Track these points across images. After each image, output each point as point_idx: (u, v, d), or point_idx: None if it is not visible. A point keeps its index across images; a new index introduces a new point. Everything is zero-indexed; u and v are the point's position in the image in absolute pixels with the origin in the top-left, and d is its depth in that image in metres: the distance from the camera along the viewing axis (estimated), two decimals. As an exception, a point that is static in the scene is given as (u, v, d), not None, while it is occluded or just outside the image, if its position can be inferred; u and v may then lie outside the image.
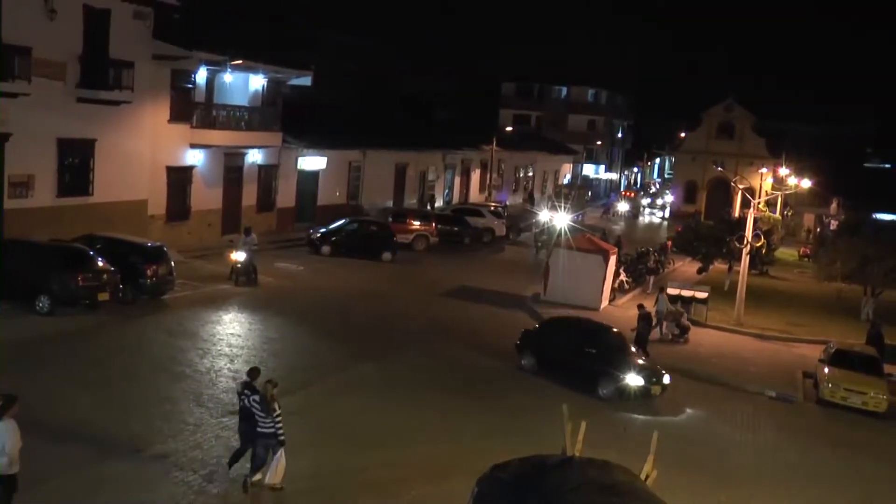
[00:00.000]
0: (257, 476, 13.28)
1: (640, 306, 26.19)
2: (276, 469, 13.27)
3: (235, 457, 13.58)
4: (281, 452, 13.23)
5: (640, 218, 72.90)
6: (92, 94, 27.42)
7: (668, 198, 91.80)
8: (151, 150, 30.74)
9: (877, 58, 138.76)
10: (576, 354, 21.71)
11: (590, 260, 31.39)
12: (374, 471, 14.61)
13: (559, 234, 37.18)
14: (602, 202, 78.51)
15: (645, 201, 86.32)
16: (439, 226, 42.01)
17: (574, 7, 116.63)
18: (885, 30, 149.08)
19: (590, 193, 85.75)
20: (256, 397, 13.14)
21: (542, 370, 22.04)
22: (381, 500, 13.73)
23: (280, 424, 13.15)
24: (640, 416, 20.12)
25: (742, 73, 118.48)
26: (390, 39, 72.37)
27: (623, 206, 64.94)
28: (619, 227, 62.19)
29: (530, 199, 69.10)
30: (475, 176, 62.50)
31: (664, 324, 28.68)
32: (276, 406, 13.12)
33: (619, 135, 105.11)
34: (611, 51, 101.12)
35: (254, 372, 13.70)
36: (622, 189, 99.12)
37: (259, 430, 13.12)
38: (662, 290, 30.41)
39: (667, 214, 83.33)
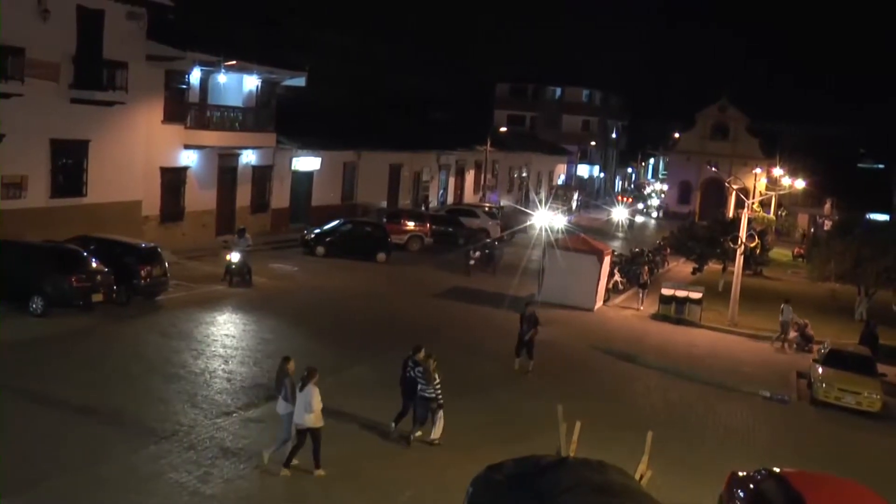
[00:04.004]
0: (418, 433, 16.03)
1: (528, 304, 23.56)
2: (438, 427, 15.93)
3: (399, 417, 16.19)
4: (440, 413, 15.87)
5: (635, 222, 72.58)
6: (85, 94, 27.37)
7: (654, 201, 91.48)
8: (145, 150, 30.70)
9: (871, 58, 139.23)
10: None
11: (584, 260, 31.40)
12: (370, 471, 14.61)
13: (501, 252, 37.25)
14: (589, 203, 78.43)
15: (640, 206, 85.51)
16: (434, 226, 41.99)
17: (569, 8, 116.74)
18: (879, 30, 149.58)
19: (583, 194, 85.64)
20: (420, 369, 15.85)
21: None
22: (377, 500, 13.73)
23: (439, 391, 15.84)
24: None
25: (736, 74, 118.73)
26: (385, 40, 72.45)
27: (621, 212, 64.66)
28: (619, 232, 62.07)
29: (524, 199, 69.15)
30: (469, 176, 62.49)
31: (791, 334, 29.13)
32: (436, 376, 15.79)
33: (614, 135, 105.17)
34: (605, 51, 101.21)
35: (417, 349, 16.15)
36: (616, 193, 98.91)
37: (421, 394, 15.87)
38: (788, 301, 30.33)
39: (660, 215, 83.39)
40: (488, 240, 41.00)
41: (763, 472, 13.61)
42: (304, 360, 20.70)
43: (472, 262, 35.74)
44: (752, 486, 13.38)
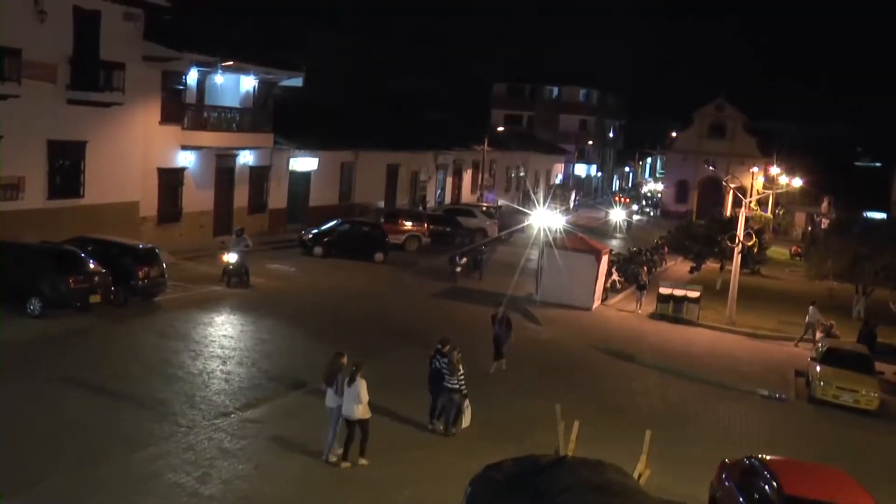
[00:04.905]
0: (440, 425, 16.86)
1: (500, 303, 23.27)
2: (466, 416, 16.68)
3: (432, 412, 16.96)
4: (466, 403, 16.67)
5: (633, 222, 72.45)
6: (82, 95, 27.33)
7: (650, 199, 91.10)
8: (143, 151, 30.66)
9: (868, 57, 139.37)
10: None
11: (582, 259, 31.40)
12: (368, 471, 14.62)
13: (489, 256, 36.87)
14: (587, 202, 78.30)
15: (635, 206, 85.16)
16: (431, 226, 41.98)
17: (567, 7, 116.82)
18: (876, 29, 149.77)
19: (581, 193, 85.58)
20: (445, 360, 16.54)
21: None
22: (375, 500, 13.73)
23: (463, 382, 16.57)
24: None
25: (734, 73, 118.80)
26: (382, 40, 72.42)
27: (618, 213, 64.53)
28: (617, 231, 62.03)
29: (522, 198, 69.13)
30: (467, 176, 62.48)
31: (816, 334, 29.29)
32: (460, 367, 16.57)
33: (611, 134, 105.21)
34: (603, 50, 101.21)
35: (444, 341, 16.98)
36: (614, 193, 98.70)
37: (446, 385, 16.52)
38: (814, 302, 30.58)
39: (656, 213, 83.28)
40: (478, 244, 40.69)
41: (749, 459, 14.30)
42: (304, 361, 20.84)
43: (458, 268, 34.24)
44: (738, 471, 14.13)
